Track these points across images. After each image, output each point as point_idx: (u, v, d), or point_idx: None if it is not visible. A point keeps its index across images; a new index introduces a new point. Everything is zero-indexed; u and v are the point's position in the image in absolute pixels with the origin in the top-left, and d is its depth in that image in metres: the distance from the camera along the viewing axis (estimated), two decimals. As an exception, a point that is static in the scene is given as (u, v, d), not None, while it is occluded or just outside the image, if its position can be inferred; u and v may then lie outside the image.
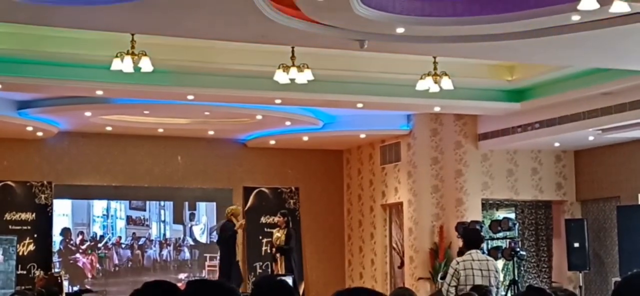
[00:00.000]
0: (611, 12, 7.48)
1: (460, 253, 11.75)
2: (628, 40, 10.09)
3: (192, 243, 18.00)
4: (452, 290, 8.76)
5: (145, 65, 10.89)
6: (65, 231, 17.11)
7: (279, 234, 15.41)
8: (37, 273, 16.15)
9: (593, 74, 13.06)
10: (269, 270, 16.85)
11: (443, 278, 14.40)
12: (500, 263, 16.33)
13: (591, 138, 15.36)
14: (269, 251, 16.85)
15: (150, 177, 17.64)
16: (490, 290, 7.75)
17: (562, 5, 8.73)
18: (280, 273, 15.02)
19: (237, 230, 15.29)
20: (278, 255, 15.38)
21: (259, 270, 17.92)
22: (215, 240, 16.90)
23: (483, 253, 8.99)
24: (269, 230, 17.75)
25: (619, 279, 13.61)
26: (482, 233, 10.28)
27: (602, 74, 12.87)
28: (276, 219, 15.27)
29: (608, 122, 13.96)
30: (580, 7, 7.37)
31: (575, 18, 9.03)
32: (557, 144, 16.28)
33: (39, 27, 10.51)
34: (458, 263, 8.69)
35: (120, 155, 17.46)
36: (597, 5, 7.29)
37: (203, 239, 18.08)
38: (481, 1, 9.26)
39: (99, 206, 17.40)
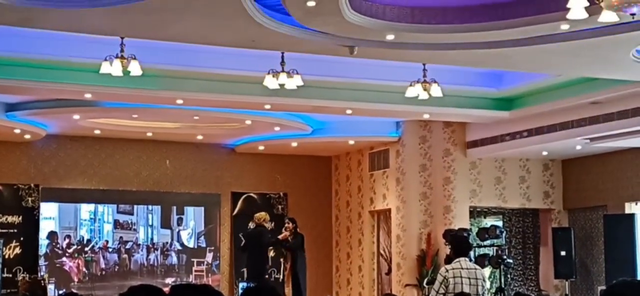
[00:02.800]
0: (600, 21, 7.50)
1: (448, 260, 11.74)
2: (617, 49, 10.13)
3: (179, 247, 17.96)
4: None
5: (134, 68, 10.87)
6: (51, 235, 17.04)
7: (287, 233, 15.17)
8: (21, 276, 16.06)
9: (581, 83, 13.11)
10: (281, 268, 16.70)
11: (429, 283, 14.43)
12: (487, 271, 16.34)
13: (579, 147, 15.41)
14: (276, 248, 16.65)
15: (138, 181, 17.59)
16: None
17: (552, 14, 8.77)
18: (286, 270, 14.92)
19: (285, 238, 14.91)
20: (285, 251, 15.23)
21: (247, 276, 17.86)
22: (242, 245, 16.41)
23: (470, 261, 9.00)
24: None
25: (604, 287, 13.67)
26: (469, 242, 10.27)
27: (590, 83, 12.92)
28: (285, 226, 15.12)
29: (596, 131, 14.01)
30: (570, 16, 7.39)
31: (565, 27, 9.07)
32: (545, 153, 16.32)
33: (28, 29, 10.46)
34: (447, 270, 8.69)
35: (108, 158, 17.42)
36: (586, 15, 7.31)
37: (190, 244, 18.04)
38: (471, 9, 9.28)
39: (86, 209, 17.33)
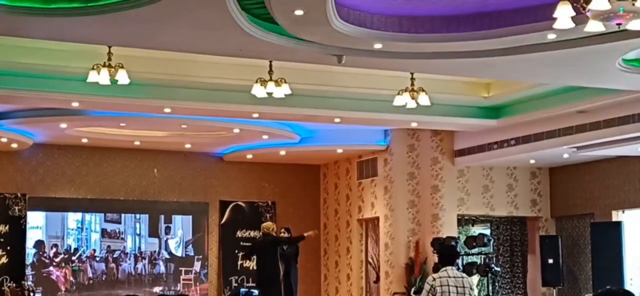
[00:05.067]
0: (586, 31, 7.54)
1: (436, 268, 11.76)
2: (603, 59, 10.18)
3: (167, 256, 17.92)
4: None
5: (122, 77, 10.85)
6: (38, 244, 16.98)
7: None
8: (7, 285, 15.99)
9: (568, 92, 13.16)
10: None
11: (417, 292, 14.44)
12: (475, 279, 16.38)
13: (566, 155, 15.46)
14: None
15: (126, 190, 17.55)
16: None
17: (539, 24, 8.81)
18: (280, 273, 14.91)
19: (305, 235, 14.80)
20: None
21: (234, 284, 17.87)
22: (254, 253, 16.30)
23: (458, 269, 9.00)
24: (245, 244, 17.72)
25: (591, 295, 13.75)
26: (457, 250, 10.27)
27: (577, 92, 12.97)
28: (280, 236, 15.08)
29: (583, 139, 14.06)
30: (556, 26, 7.42)
31: (551, 37, 9.11)
32: (532, 161, 16.37)
33: (15, 38, 10.43)
34: (434, 279, 8.69)
35: (96, 167, 17.38)
36: (573, 25, 7.35)
37: (178, 252, 18.00)
38: (458, 18, 9.32)
39: (73, 218, 17.28)
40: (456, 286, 8.60)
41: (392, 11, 9.33)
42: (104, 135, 16.15)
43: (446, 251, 9.06)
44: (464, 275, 9.09)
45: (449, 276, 8.63)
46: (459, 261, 15.83)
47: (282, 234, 15.00)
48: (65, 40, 10.23)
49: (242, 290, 17.16)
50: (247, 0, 8.68)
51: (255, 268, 15.15)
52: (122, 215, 17.64)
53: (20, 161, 16.80)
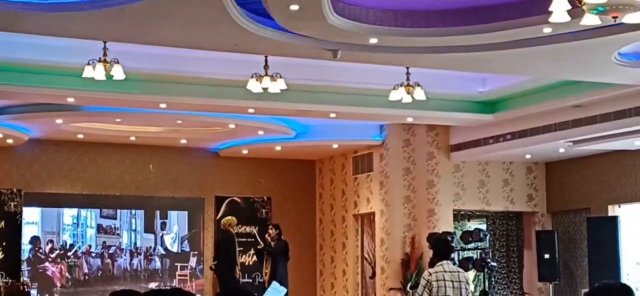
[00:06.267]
0: (582, 25, 7.52)
1: (432, 264, 11.76)
2: (599, 52, 10.18)
3: (163, 252, 17.90)
4: None
5: (117, 73, 10.83)
6: (34, 240, 16.95)
7: (269, 239, 15.21)
8: (3, 281, 15.97)
9: (564, 86, 13.16)
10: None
11: (413, 287, 14.45)
12: (471, 274, 16.38)
13: (562, 150, 15.46)
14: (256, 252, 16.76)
15: (122, 186, 17.53)
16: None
17: (534, 17, 8.80)
18: (266, 276, 14.96)
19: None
20: (265, 257, 15.28)
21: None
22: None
23: (454, 264, 9.01)
24: (240, 239, 17.70)
25: (588, 290, 13.71)
26: (452, 244, 10.26)
27: (573, 86, 12.97)
28: (268, 232, 15.16)
29: (579, 134, 14.07)
30: (552, 19, 7.41)
31: (547, 30, 9.10)
32: (528, 156, 16.37)
33: (10, 33, 10.40)
34: (430, 274, 8.69)
35: (91, 163, 17.35)
36: (569, 18, 7.33)
37: (174, 248, 17.99)
38: (454, 13, 9.30)
39: (69, 214, 17.26)
40: (452, 281, 8.60)
41: (388, 6, 9.32)
42: (99, 130, 16.13)
43: (441, 246, 9.06)
44: (460, 269, 9.09)
45: (445, 271, 8.63)
46: (455, 255, 15.86)
47: (270, 230, 15.08)
48: (60, 36, 10.20)
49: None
50: (242, -5, 8.67)
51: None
52: (118, 210, 17.63)
53: (15, 157, 16.77)
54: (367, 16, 9.26)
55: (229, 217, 15.85)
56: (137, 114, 14.64)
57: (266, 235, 15.13)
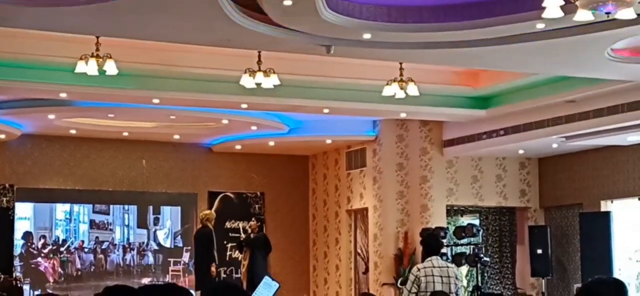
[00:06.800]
0: (575, 20, 7.54)
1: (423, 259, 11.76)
2: (592, 48, 10.19)
3: (156, 247, 17.89)
4: None
5: (110, 68, 10.81)
6: (27, 235, 16.92)
7: (250, 230, 15.27)
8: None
9: (557, 82, 13.18)
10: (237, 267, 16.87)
11: (403, 283, 14.45)
12: (464, 269, 16.41)
13: (555, 145, 15.48)
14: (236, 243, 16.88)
15: (114, 181, 17.50)
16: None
17: (527, 13, 8.81)
18: (243, 267, 15.02)
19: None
20: (244, 248, 15.35)
21: (223, 275, 17.84)
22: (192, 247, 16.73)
23: (447, 259, 9.02)
24: (233, 235, 17.73)
25: (580, 285, 13.74)
26: (441, 240, 10.25)
27: (566, 81, 12.99)
28: (249, 224, 15.22)
29: (572, 129, 14.09)
30: (545, 15, 7.42)
31: (540, 26, 9.11)
32: (521, 151, 16.40)
33: (1, 28, 10.37)
34: (419, 269, 8.68)
35: (84, 158, 17.31)
36: (562, 14, 7.34)
37: (167, 243, 17.97)
38: (447, 8, 9.31)
39: (61, 209, 17.22)
40: (441, 276, 8.59)
41: (381, 1, 9.31)
42: (92, 126, 16.10)
43: (430, 242, 9.06)
44: (449, 264, 9.08)
45: (434, 267, 8.62)
46: (448, 251, 15.89)
47: (252, 222, 15.13)
48: (53, 31, 10.18)
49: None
50: (235, -10, 8.66)
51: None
52: (111, 206, 17.60)
53: (7, 152, 16.72)
54: (361, 12, 9.26)
55: (208, 211, 15.87)
56: (130, 109, 14.62)
57: (248, 227, 15.20)
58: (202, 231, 15.22)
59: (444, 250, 15.82)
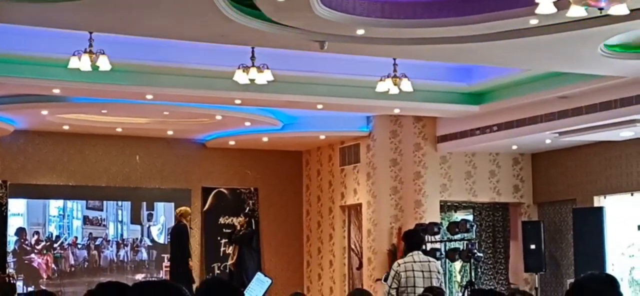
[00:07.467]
0: (568, 16, 7.55)
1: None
2: (585, 44, 10.21)
3: (149, 243, 17.87)
4: (393, 292, 8.72)
5: (103, 63, 10.79)
6: (20, 231, 16.89)
7: (238, 227, 15.33)
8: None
9: (550, 78, 13.20)
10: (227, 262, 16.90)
11: (386, 279, 14.48)
12: (457, 265, 16.43)
13: (548, 141, 15.51)
14: (227, 239, 16.94)
15: (108, 177, 17.48)
16: (443, 291, 7.81)
17: (521, 9, 8.82)
18: (232, 262, 15.04)
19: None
20: (233, 245, 15.40)
21: (217, 271, 17.85)
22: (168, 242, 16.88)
23: (441, 254, 9.03)
24: (227, 230, 17.71)
25: (573, 280, 13.76)
26: (422, 235, 10.22)
27: (559, 77, 13.01)
28: (238, 219, 15.27)
29: (565, 125, 14.11)
30: (538, 11, 7.43)
31: (534, 22, 9.13)
32: (514, 147, 16.42)
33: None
34: (399, 265, 8.70)
35: (77, 154, 17.28)
36: (555, 10, 7.36)
37: (161, 240, 17.95)
38: (440, 4, 9.31)
39: (54, 206, 17.19)
40: (422, 271, 8.60)
41: (375, -3, 9.31)
42: (85, 121, 16.07)
43: (411, 238, 9.07)
44: (431, 259, 9.08)
45: (415, 261, 8.64)
46: (439, 246, 15.91)
47: (241, 218, 15.16)
48: (47, 26, 10.16)
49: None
50: (229, -14, 8.65)
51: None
52: (104, 202, 17.57)
53: (0, 148, 16.68)
54: (354, 7, 9.26)
55: (183, 208, 15.90)
56: (123, 105, 14.60)
57: (237, 222, 15.26)
58: (177, 227, 15.38)
59: (437, 246, 15.88)
